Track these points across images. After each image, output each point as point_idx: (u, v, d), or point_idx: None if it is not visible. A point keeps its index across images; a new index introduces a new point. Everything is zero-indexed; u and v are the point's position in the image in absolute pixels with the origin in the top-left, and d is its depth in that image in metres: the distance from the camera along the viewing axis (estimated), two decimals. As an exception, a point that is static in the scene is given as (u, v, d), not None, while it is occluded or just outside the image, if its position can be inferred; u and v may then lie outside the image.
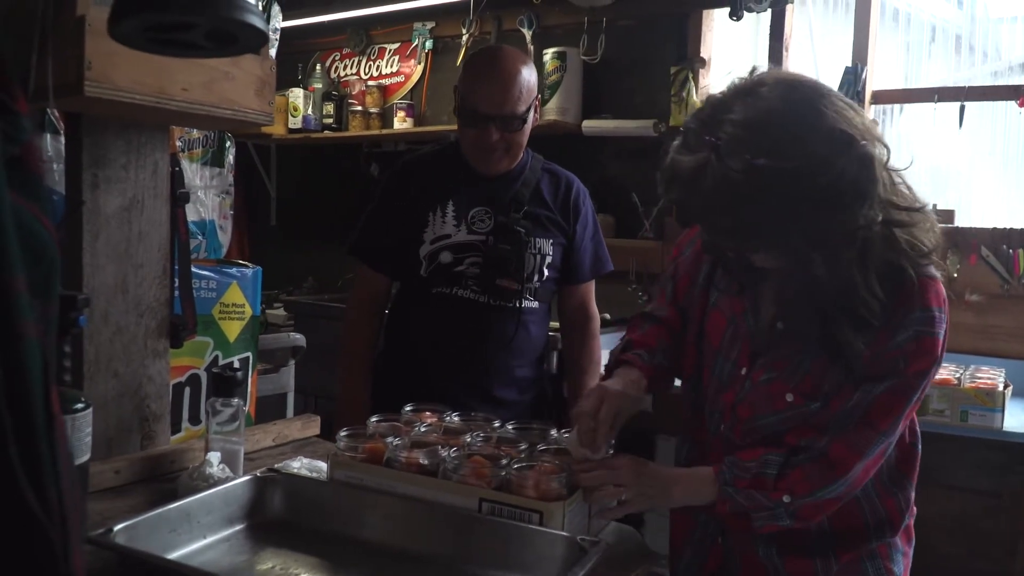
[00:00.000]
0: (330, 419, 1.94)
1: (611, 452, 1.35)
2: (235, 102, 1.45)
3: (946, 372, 2.58)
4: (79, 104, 1.30)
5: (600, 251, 2.12)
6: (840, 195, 1.09)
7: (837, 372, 1.22)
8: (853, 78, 3.21)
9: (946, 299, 1.23)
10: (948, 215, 3.07)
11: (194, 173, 1.91)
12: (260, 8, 1.85)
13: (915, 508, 1.38)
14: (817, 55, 3.53)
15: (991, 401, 2.40)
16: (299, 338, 2.63)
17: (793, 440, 1.24)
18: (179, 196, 1.57)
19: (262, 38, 1.07)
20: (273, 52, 1.88)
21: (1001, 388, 2.45)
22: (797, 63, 3.49)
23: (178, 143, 1.87)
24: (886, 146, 1.17)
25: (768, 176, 1.07)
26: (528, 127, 1.97)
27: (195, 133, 1.90)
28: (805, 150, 1.08)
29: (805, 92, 1.14)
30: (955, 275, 2.98)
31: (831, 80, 3.35)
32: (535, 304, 2.01)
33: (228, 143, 1.97)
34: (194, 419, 1.70)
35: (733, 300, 1.36)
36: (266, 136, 4.52)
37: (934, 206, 1.29)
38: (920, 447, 1.36)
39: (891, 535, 1.32)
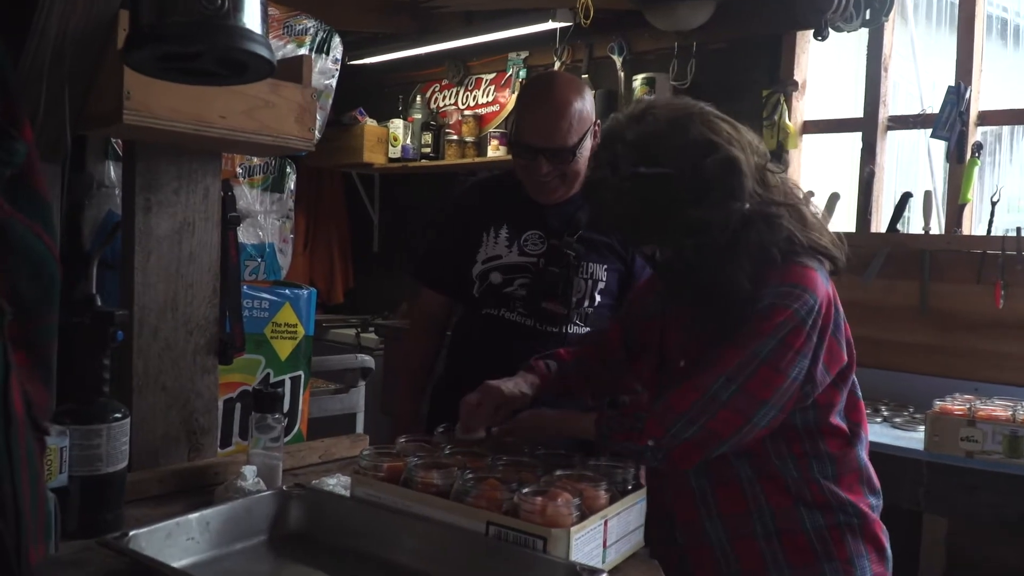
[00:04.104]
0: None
1: (494, 431, 1.57)
2: (275, 129, 1.51)
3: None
4: (120, 132, 1.39)
5: None
6: (709, 192, 1.32)
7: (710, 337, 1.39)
8: (956, 98, 3.02)
9: (820, 283, 1.35)
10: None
11: (254, 198, 1.99)
12: (322, 38, 1.93)
13: (874, 515, 1.45)
14: (920, 74, 3.34)
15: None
16: (368, 360, 2.69)
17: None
18: (229, 219, 1.65)
19: (268, 66, 1.11)
20: (333, 82, 1.95)
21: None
22: (898, 83, 3.33)
23: (239, 169, 1.96)
24: (761, 148, 1.41)
25: (649, 181, 1.33)
26: (584, 156, 1.92)
27: (255, 160, 1.99)
28: (675, 157, 1.32)
29: (680, 114, 1.38)
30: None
31: (935, 100, 3.17)
32: (585, 331, 1.97)
33: (289, 169, 2.05)
34: (244, 434, 1.76)
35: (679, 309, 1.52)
36: (368, 166, 4.70)
37: (831, 195, 1.41)
38: (860, 449, 1.45)
39: (824, 520, 1.41)
